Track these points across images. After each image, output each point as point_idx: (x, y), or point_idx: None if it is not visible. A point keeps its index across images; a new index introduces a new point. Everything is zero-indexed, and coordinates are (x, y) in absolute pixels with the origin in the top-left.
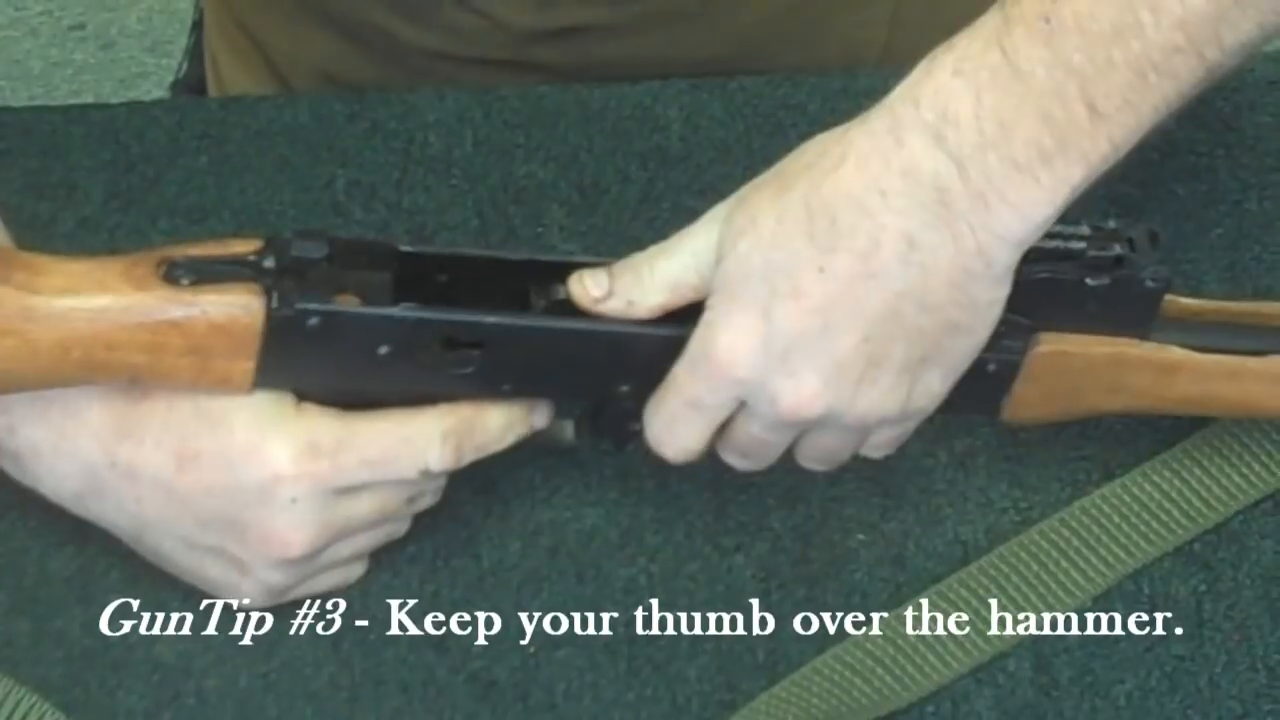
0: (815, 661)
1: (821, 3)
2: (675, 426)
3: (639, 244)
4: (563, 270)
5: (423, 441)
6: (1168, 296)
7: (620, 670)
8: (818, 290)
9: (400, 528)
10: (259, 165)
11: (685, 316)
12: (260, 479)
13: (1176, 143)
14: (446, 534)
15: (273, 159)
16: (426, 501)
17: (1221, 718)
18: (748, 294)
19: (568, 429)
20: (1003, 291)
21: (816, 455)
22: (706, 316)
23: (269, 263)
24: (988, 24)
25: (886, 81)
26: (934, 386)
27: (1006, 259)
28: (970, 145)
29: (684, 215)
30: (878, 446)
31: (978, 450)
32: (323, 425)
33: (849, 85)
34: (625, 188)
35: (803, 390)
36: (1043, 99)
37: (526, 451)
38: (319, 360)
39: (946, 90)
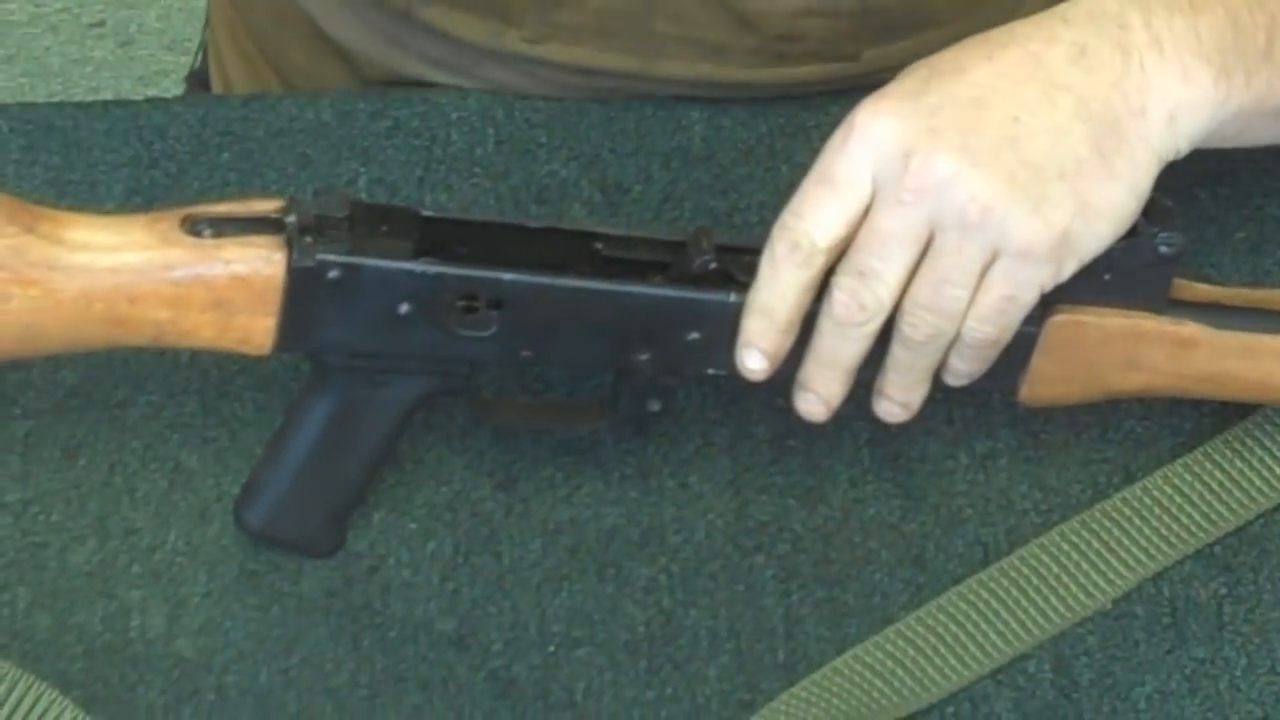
0: (835, 662)
1: None
2: (803, 210)
3: None
4: (585, 238)
5: None
6: (1184, 281)
7: (640, 669)
8: (983, 70)
9: None
10: (281, 163)
11: (712, 283)
12: None
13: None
14: (467, 531)
15: (295, 157)
16: None
17: None
18: (907, 77)
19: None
20: (1145, 176)
21: (928, 297)
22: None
23: (290, 219)
24: None
25: None
26: (1065, 221)
27: (1157, 134)
28: (1160, 3)
29: (705, 216)
30: (986, 316)
31: (999, 452)
32: None
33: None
34: (647, 187)
35: (939, 149)
36: (1232, 5)
37: (547, 449)
38: (339, 317)
39: None
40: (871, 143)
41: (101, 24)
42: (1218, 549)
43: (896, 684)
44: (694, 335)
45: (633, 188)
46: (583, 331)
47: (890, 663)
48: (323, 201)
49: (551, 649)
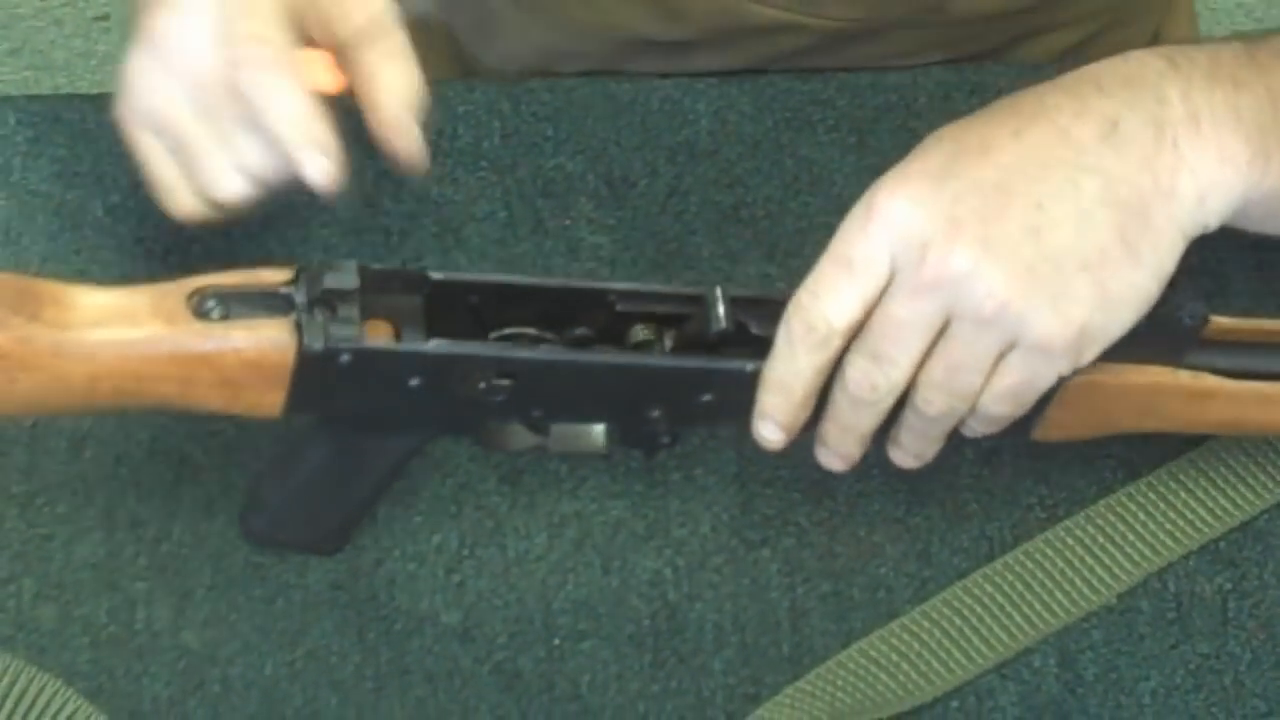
0: (840, 655)
1: None
2: (819, 290)
3: (666, 238)
4: (597, 296)
5: None
6: None
7: (645, 662)
8: (1008, 149)
9: None
10: None
11: (723, 351)
12: None
13: None
14: (472, 524)
15: None
16: None
17: (1246, 716)
18: (930, 153)
19: (598, 435)
20: (1169, 259)
21: (942, 379)
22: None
23: (300, 296)
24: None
25: (915, 78)
26: (1085, 315)
27: (1186, 214)
28: (1201, 76)
29: (711, 210)
30: (1001, 397)
31: (1004, 447)
32: None
33: (878, 81)
34: (653, 181)
35: (958, 242)
36: (1275, 86)
37: None
38: (349, 390)
39: (1185, 49)
40: (891, 227)
41: (106, 17)
42: (1223, 544)
43: (901, 678)
44: (707, 398)
45: (639, 181)
46: (595, 396)
47: (895, 656)
48: (333, 275)
49: (556, 642)
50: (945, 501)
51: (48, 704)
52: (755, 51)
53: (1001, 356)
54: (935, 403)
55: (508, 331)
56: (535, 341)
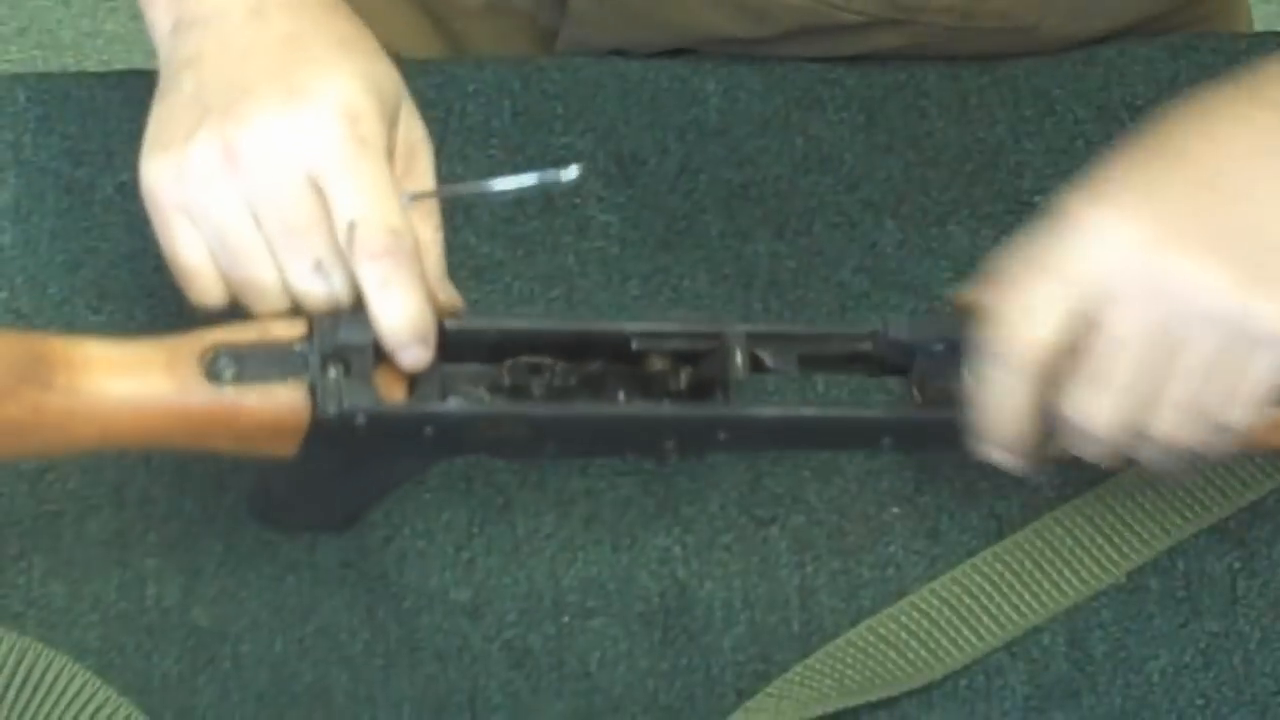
0: (849, 633)
1: None
2: (1025, 304)
3: (676, 216)
4: (615, 339)
5: None
6: None
7: (654, 640)
8: (1204, 149)
9: None
10: None
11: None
12: None
13: None
14: (482, 502)
15: None
16: None
17: (1255, 695)
18: (1124, 166)
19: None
20: None
21: (1181, 396)
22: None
23: (313, 354)
24: None
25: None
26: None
27: None
28: None
29: (721, 188)
30: (1252, 403)
31: None
32: None
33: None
34: (663, 160)
35: (1178, 245)
36: None
37: None
38: (365, 441)
39: None
40: (1102, 240)
41: None
42: (1232, 523)
43: (910, 655)
44: (722, 436)
45: (648, 160)
46: (611, 439)
47: (904, 634)
48: (346, 328)
49: (566, 619)
50: (955, 480)
51: (56, 680)
52: (841, 48)
53: (1241, 362)
54: (1179, 427)
55: (523, 360)
56: (548, 372)
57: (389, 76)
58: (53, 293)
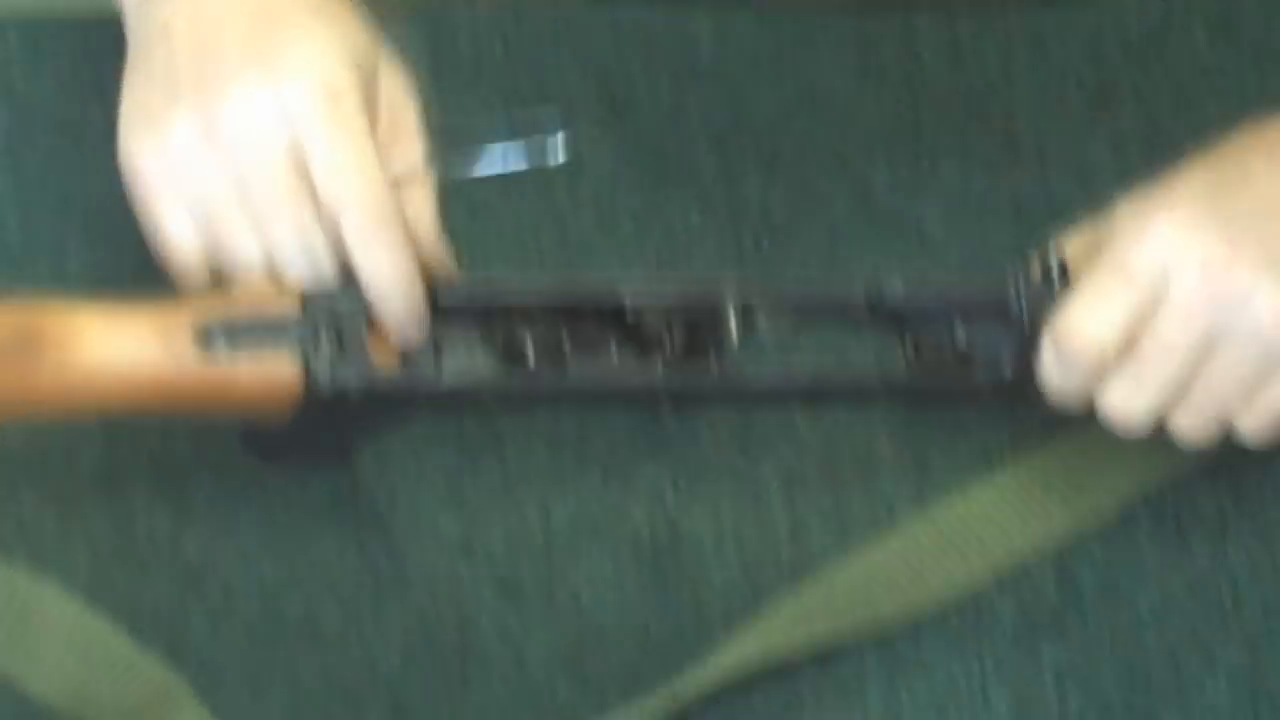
0: (838, 565)
1: None
2: (1095, 300)
3: (668, 157)
4: (608, 300)
5: None
6: None
7: (645, 573)
8: (1267, 174)
9: None
10: None
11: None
12: None
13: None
14: (472, 437)
15: None
16: None
17: (1244, 628)
18: (1191, 184)
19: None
20: None
21: (1202, 402)
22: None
23: (306, 326)
24: None
25: None
26: None
27: None
28: None
29: (713, 129)
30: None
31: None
32: None
33: None
34: (655, 102)
35: (1238, 261)
36: None
37: None
38: (358, 409)
39: None
40: (1169, 246)
41: None
42: (1223, 458)
43: (899, 590)
44: (717, 397)
45: (641, 102)
46: (603, 400)
47: (893, 568)
48: (337, 297)
49: (556, 553)
50: (945, 415)
51: (47, 613)
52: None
53: (1267, 377)
54: (1194, 422)
55: (516, 322)
56: (541, 331)
57: (365, 38)
58: (44, 233)
